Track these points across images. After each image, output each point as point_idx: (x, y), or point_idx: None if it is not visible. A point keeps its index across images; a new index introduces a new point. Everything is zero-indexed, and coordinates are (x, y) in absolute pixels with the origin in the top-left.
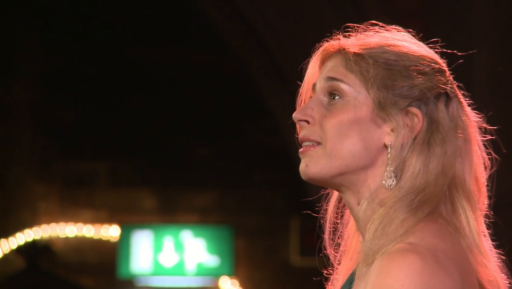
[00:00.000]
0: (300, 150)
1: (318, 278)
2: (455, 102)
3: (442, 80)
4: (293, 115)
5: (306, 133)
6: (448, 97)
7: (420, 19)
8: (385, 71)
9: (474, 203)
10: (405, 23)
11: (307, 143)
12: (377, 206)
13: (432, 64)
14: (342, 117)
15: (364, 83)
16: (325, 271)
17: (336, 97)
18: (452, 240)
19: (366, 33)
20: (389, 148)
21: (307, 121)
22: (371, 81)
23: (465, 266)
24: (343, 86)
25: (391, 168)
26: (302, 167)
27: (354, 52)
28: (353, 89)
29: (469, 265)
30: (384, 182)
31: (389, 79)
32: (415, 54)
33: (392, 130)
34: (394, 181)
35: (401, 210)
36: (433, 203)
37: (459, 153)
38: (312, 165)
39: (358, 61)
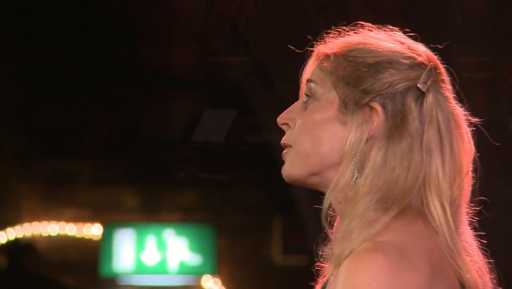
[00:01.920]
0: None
1: (303, 276)
2: (432, 97)
3: (414, 74)
4: (277, 119)
5: (285, 137)
6: (420, 91)
7: (403, 17)
8: (351, 69)
9: (446, 202)
10: (389, 22)
11: (287, 146)
12: (346, 205)
13: (403, 60)
14: (310, 118)
15: (333, 82)
16: (312, 269)
17: (310, 99)
18: (429, 238)
19: (349, 33)
20: (347, 144)
21: (288, 124)
22: (338, 80)
23: (442, 264)
24: (315, 87)
25: (352, 164)
26: (281, 170)
27: (324, 53)
28: (324, 89)
29: (448, 264)
30: (349, 179)
31: (354, 76)
32: (384, 50)
33: (355, 127)
34: (357, 177)
35: (368, 208)
36: (402, 201)
37: (432, 149)
38: (286, 167)
39: (327, 61)
